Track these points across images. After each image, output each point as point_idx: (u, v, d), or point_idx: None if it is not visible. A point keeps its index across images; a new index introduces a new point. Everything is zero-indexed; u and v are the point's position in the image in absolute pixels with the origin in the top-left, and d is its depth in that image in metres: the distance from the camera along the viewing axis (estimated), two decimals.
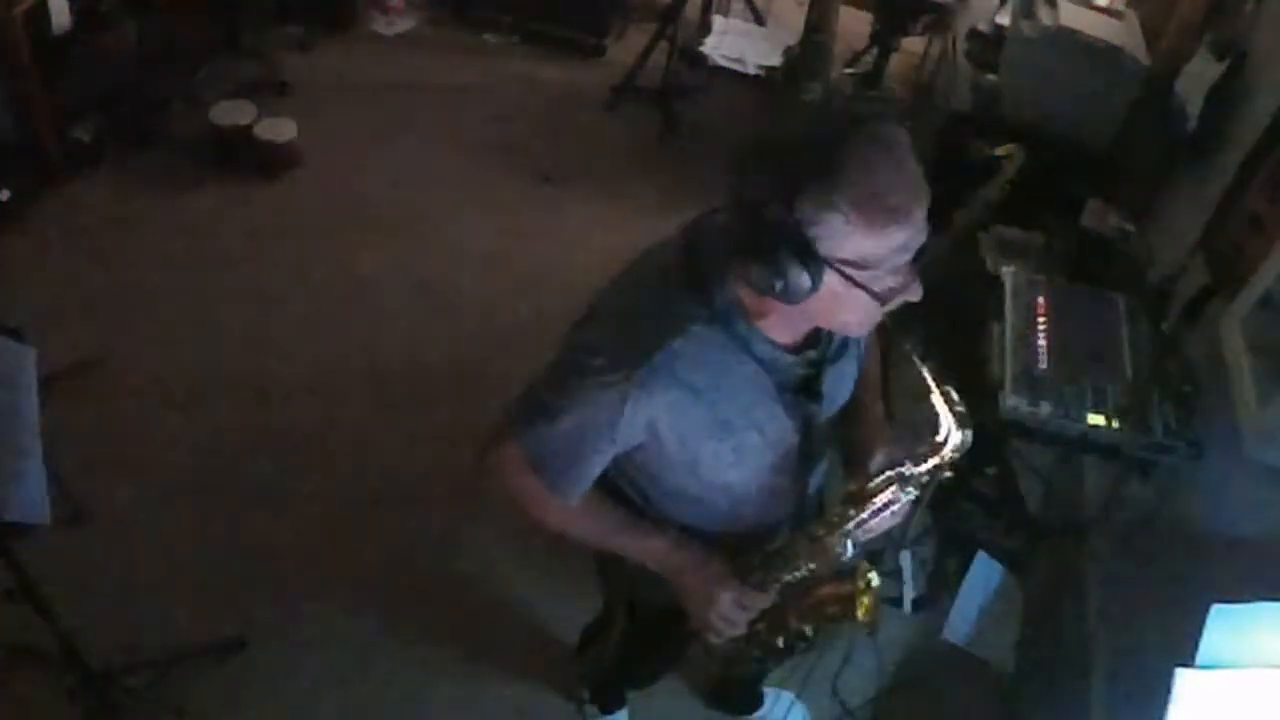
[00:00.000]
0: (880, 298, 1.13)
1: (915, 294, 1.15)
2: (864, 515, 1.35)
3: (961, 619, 2.54)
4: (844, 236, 1.06)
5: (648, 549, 1.41)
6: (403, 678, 2.30)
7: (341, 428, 2.80)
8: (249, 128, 3.53)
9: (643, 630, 1.83)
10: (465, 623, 2.42)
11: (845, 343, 1.35)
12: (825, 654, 1.96)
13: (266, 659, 2.26)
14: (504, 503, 1.37)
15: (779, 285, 1.08)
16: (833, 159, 1.04)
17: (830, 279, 1.09)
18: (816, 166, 1.04)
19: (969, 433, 1.24)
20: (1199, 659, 1.28)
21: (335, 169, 3.68)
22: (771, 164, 1.07)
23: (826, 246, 1.07)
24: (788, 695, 2.28)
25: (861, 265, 1.09)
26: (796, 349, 1.27)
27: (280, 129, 3.57)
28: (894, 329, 1.24)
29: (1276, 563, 1.68)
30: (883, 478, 1.33)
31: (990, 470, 2.61)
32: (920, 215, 1.09)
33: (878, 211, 1.05)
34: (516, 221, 3.61)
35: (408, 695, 2.27)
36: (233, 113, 3.57)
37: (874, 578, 1.44)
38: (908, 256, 1.11)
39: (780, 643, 1.55)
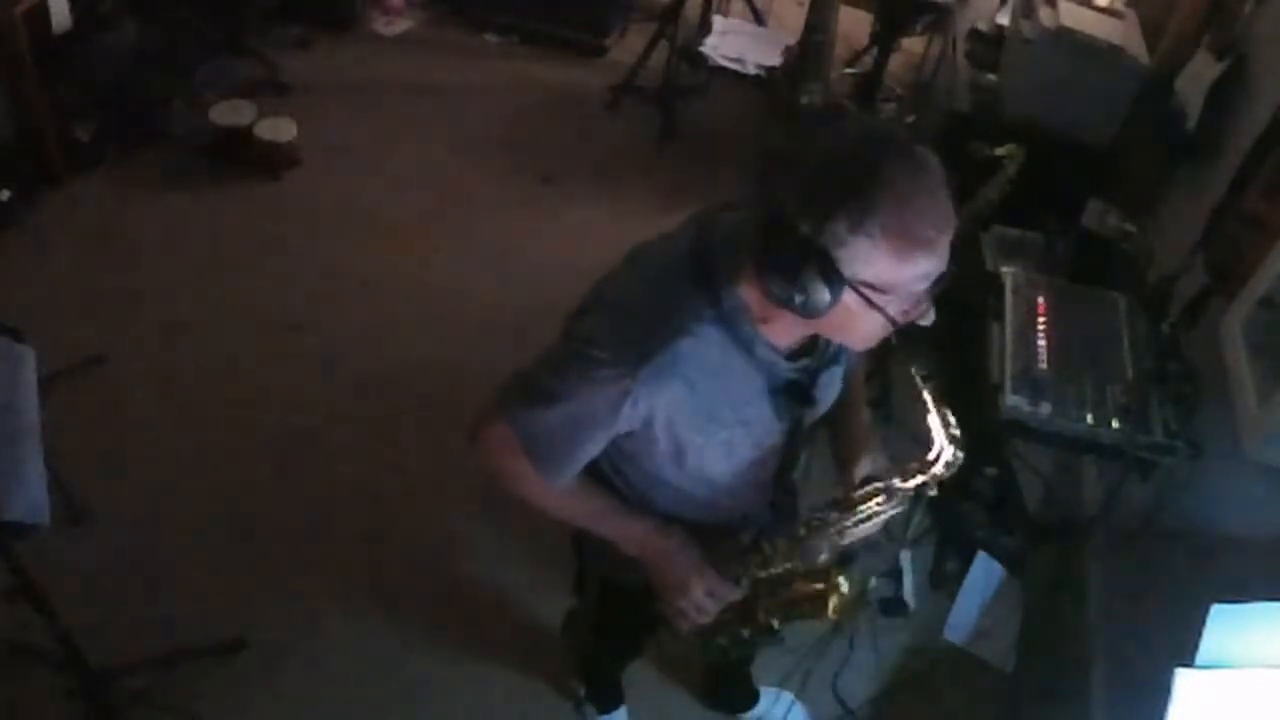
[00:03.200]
0: (894, 320, 1.13)
1: (928, 318, 1.16)
2: (847, 523, 1.38)
3: (961, 619, 2.54)
4: (869, 260, 1.07)
5: (628, 532, 1.42)
6: (402, 678, 2.29)
7: (341, 427, 2.79)
8: (249, 128, 3.53)
9: (614, 604, 1.82)
10: (465, 623, 2.42)
11: (839, 351, 1.36)
12: (825, 654, 1.96)
13: (266, 659, 2.26)
14: (489, 479, 1.38)
15: (798, 299, 1.09)
16: (869, 183, 1.03)
17: (848, 298, 1.10)
18: (852, 188, 1.04)
19: (960, 454, 1.27)
20: (1199, 659, 1.28)
21: (335, 169, 3.68)
22: (804, 180, 1.07)
23: (850, 267, 1.07)
24: (787, 695, 2.28)
25: (882, 289, 1.10)
26: (793, 354, 1.29)
27: (280, 129, 3.57)
28: (900, 349, 1.25)
29: (1276, 563, 1.68)
30: (870, 488, 1.37)
31: (990, 470, 2.61)
32: (945, 245, 1.10)
33: (908, 240, 1.06)
34: (516, 221, 3.61)
35: (407, 695, 2.27)
36: (233, 113, 3.57)
37: (843, 581, 1.47)
38: (928, 284, 1.12)
39: (746, 633, 1.57)
